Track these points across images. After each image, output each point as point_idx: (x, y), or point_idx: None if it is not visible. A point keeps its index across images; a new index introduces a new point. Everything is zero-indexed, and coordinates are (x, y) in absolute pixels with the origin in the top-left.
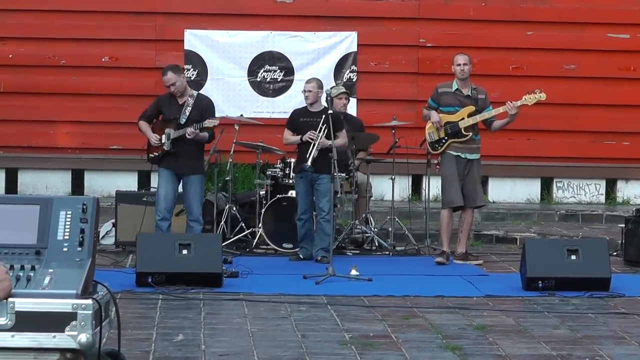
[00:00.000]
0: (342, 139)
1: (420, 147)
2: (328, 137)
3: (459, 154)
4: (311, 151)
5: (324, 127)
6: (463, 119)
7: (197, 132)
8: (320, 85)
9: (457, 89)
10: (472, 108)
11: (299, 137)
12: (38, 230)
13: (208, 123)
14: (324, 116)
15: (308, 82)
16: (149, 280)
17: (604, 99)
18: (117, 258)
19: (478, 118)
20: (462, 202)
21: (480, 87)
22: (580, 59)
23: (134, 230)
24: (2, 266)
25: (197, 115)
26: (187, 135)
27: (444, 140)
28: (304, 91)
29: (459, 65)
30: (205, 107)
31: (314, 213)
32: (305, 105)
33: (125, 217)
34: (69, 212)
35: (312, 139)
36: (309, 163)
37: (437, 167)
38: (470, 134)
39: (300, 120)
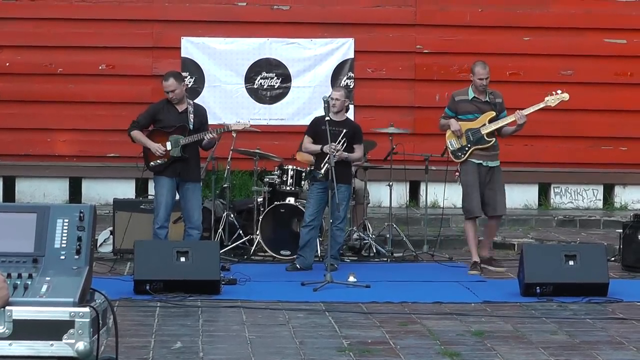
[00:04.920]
0: (358, 152)
1: (442, 156)
2: (346, 149)
3: (481, 162)
4: (327, 161)
5: (343, 140)
6: (484, 125)
7: (215, 136)
8: (347, 95)
9: (474, 97)
10: (492, 113)
11: (319, 147)
12: (35, 239)
13: (236, 126)
14: (345, 130)
15: (336, 90)
16: (147, 287)
17: (601, 104)
18: (114, 266)
19: (500, 123)
20: (481, 213)
21: (496, 90)
22: (577, 64)
23: (132, 238)
24: (0, 274)
25: (199, 123)
26: (206, 137)
27: (467, 148)
28: (331, 99)
29: (481, 79)
30: (204, 116)
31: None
32: (325, 113)
33: (123, 225)
34: (66, 220)
35: (333, 152)
36: (322, 172)
37: (457, 174)
38: (493, 139)
39: (322, 129)
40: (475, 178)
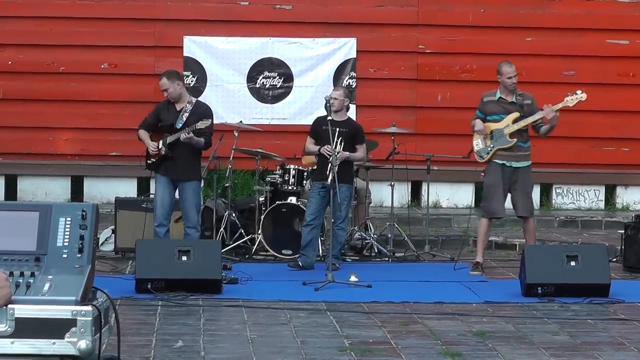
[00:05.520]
0: (361, 152)
1: (468, 156)
2: (346, 148)
3: (504, 162)
4: (330, 168)
5: (339, 140)
6: (508, 125)
7: (191, 136)
8: (347, 94)
9: (500, 97)
10: (516, 114)
11: (317, 147)
12: (37, 237)
13: (200, 125)
14: (338, 129)
15: (336, 89)
16: (149, 286)
17: (603, 105)
18: (116, 264)
19: (522, 124)
20: (504, 214)
21: (526, 92)
22: (579, 64)
23: (133, 237)
24: (2, 273)
25: (195, 121)
26: (180, 138)
27: (490, 149)
28: (331, 98)
29: (510, 77)
30: (203, 113)
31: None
32: (327, 113)
33: (125, 224)
34: (69, 219)
35: (328, 154)
36: (328, 181)
37: (483, 175)
38: (515, 140)
39: (322, 129)
40: (498, 179)
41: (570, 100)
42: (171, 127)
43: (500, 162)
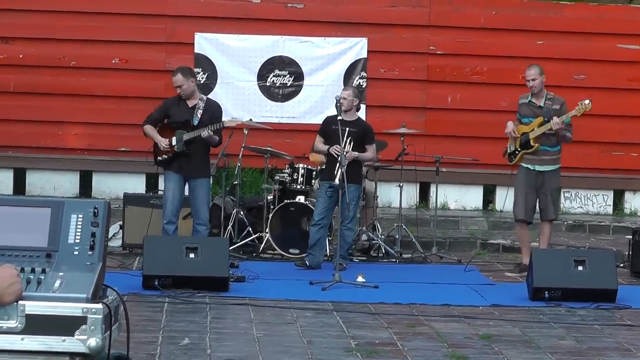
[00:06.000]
0: (371, 152)
1: (504, 157)
2: (355, 148)
3: (529, 166)
4: (338, 167)
5: (348, 140)
6: (533, 129)
7: (211, 134)
8: (357, 94)
9: (530, 100)
10: (541, 119)
11: (327, 147)
12: (49, 233)
13: (229, 123)
14: (348, 129)
15: (345, 89)
16: (156, 283)
17: (613, 109)
18: (124, 260)
19: (542, 129)
20: (525, 217)
21: (558, 96)
22: (589, 69)
23: (141, 233)
24: (13, 269)
25: (208, 119)
26: (201, 135)
27: (517, 152)
28: (341, 98)
29: (528, 81)
30: (215, 111)
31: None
32: (337, 113)
33: (133, 220)
34: (80, 216)
35: (337, 154)
36: (336, 181)
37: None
38: (537, 145)
39: (332, 128)
40: (525, 182)
41: (577, 111)
42: (185, 124)
43: (526, 165)
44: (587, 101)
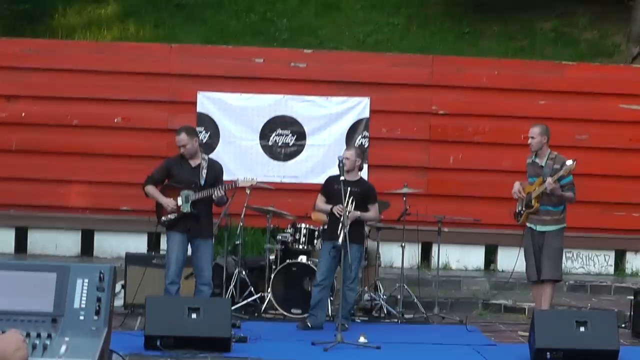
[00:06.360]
0: (373, 212)
1: (513, 218)
2: (358, 208)
3: (532, 226)
4: (341, 228)
5: (350, 200)
6: (535, 189)
7: (223, 194)
8: (359, 154)
9: (533, 160)
10: (540, 179)
11: (329, 207)
12: (55, 298)
13: (243, 183)
14: (350, 189)
15: (347, 149)
16: (158, 343)
17: (615, 169)
18: (125, 320)
19: (542, 188)
20: (536, 277)
21: (561, 156)
22: (592, 129)
23: (143, 293)
24: (20, 334)
25: (212, 178)
26: (214, 195)
27: (522, 212)
28: (344, 158)
29: (528, 139)
30: (218, 171)
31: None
32: (340, 173)
33: (135, 279)
34: (86, 281)
35: (340, 213)
36: (339, 242)
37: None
38: (537, 204)
39: (334, 188)
40: (529, 243)
41: (564, 171)
42: (189, 184)
43: (529, 225)
44: (570, 161)
